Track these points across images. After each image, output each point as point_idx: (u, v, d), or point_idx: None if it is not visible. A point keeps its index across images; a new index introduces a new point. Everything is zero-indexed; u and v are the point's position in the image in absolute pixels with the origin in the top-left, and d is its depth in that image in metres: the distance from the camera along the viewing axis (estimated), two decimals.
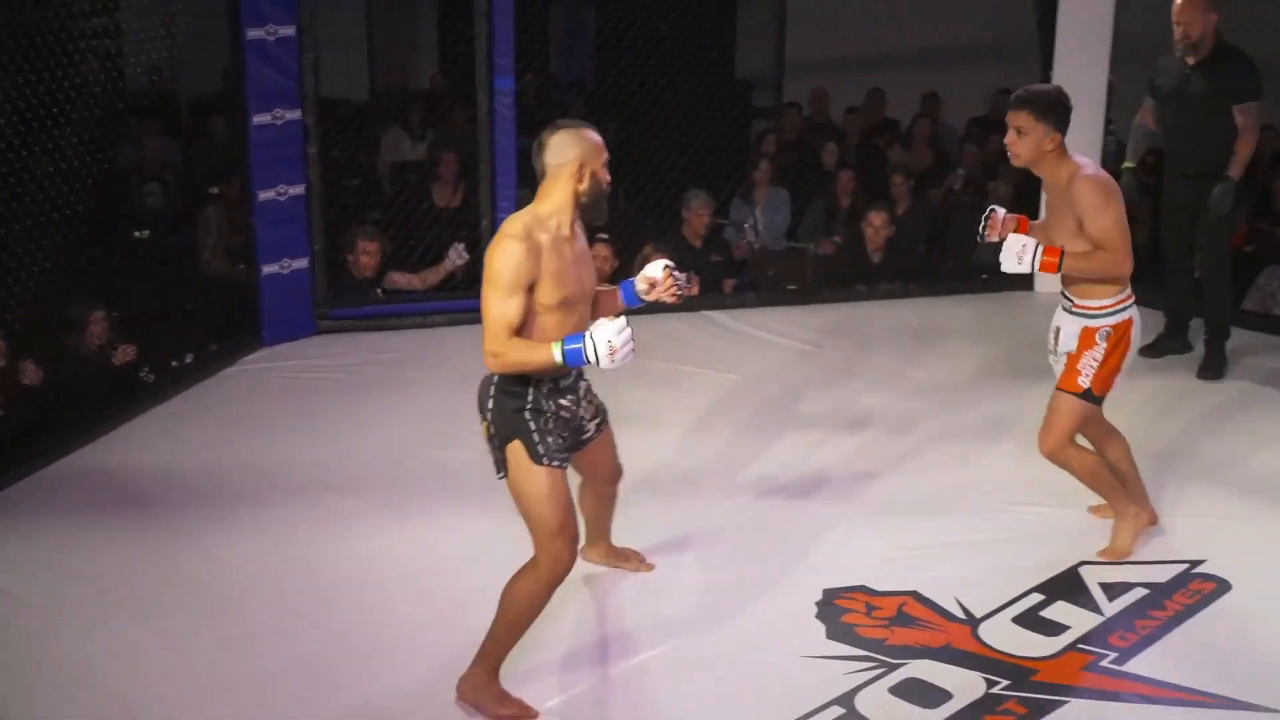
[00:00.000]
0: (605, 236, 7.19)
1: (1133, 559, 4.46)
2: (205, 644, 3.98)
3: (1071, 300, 4.37)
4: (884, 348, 6.88)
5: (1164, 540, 4.62)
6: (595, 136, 3.54)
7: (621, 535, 4.44)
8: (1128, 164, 6.32)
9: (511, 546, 4.48)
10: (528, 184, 7.18)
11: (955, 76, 9.24)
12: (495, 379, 3.55)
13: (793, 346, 6.85)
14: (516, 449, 3.56)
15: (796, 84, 10.22)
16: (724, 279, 7.62)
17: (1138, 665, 3.86)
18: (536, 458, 3.55)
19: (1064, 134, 4.18)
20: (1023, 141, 4.17)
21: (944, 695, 3.69)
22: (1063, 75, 7.31)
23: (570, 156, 3.47)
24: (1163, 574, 4.38)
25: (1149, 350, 6.38)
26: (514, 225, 3.44)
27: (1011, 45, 8.55)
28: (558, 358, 3.39)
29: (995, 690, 3.73)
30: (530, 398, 3.55)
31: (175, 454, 5.41)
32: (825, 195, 8.51)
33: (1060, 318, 4.43)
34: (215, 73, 8.28)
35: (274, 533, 4.69)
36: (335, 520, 4.78)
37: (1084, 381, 4.27)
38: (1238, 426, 5.69)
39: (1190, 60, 5.95)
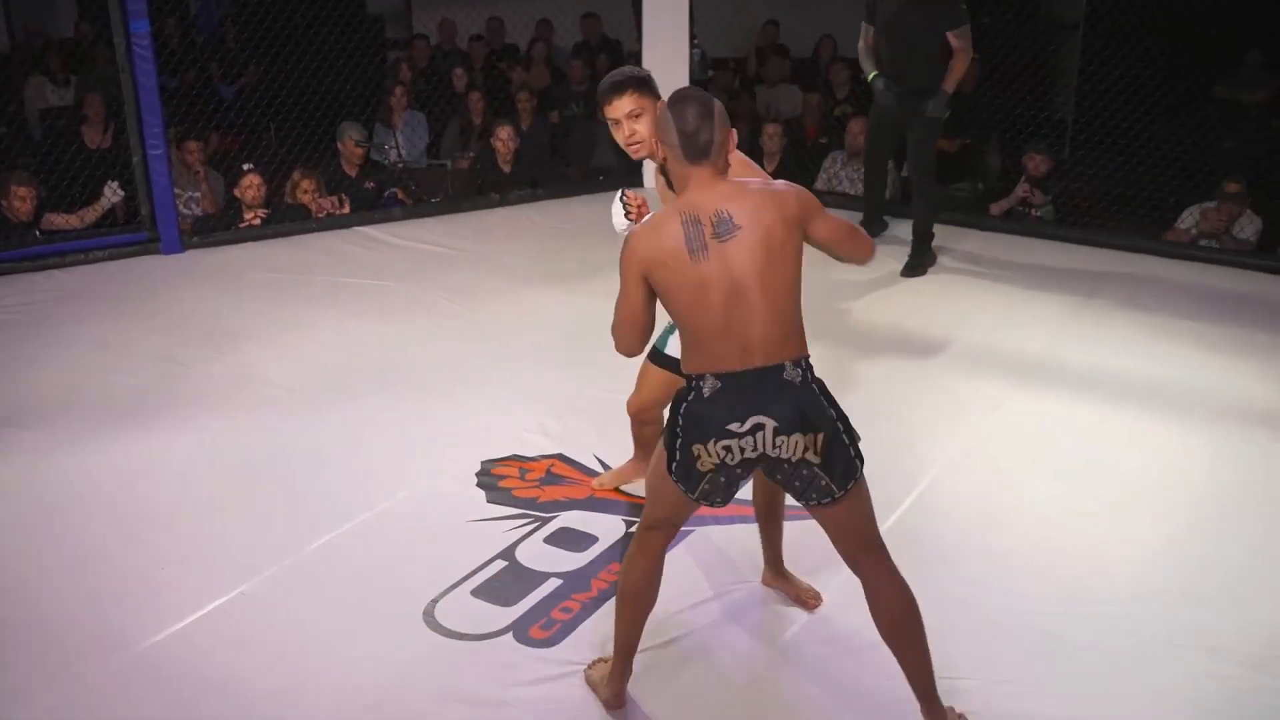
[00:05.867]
0: (251, 166, 6.90)
1: None
2: None
3: None
4: (517, 245, 6.93)
5: None
6: None
7: (292, 425, 4.31)
8: (874, 72, 6.28)
9: (189, 460, 4.34)
10: (174, 122, 6.90)
11: (557, 4, 9.28)
12: (801, 362, 2.68)
13: (438, 252, 6.79)
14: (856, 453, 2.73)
15: (424, 16, 10.01)
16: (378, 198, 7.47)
17: (747, 492, 4.05)
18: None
19: None
20: (642, 121, 3.37)
21: (591, 539, 3.80)
22: None
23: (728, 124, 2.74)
24: None
25: None
26: None
27: None
28: None
29: (633, 529, 3.84)
30: None
31: None
32: (458, 115, 8.43)
33: None
34: None
35: None
36: (19, 454, 4.40)
37: None
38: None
39: None
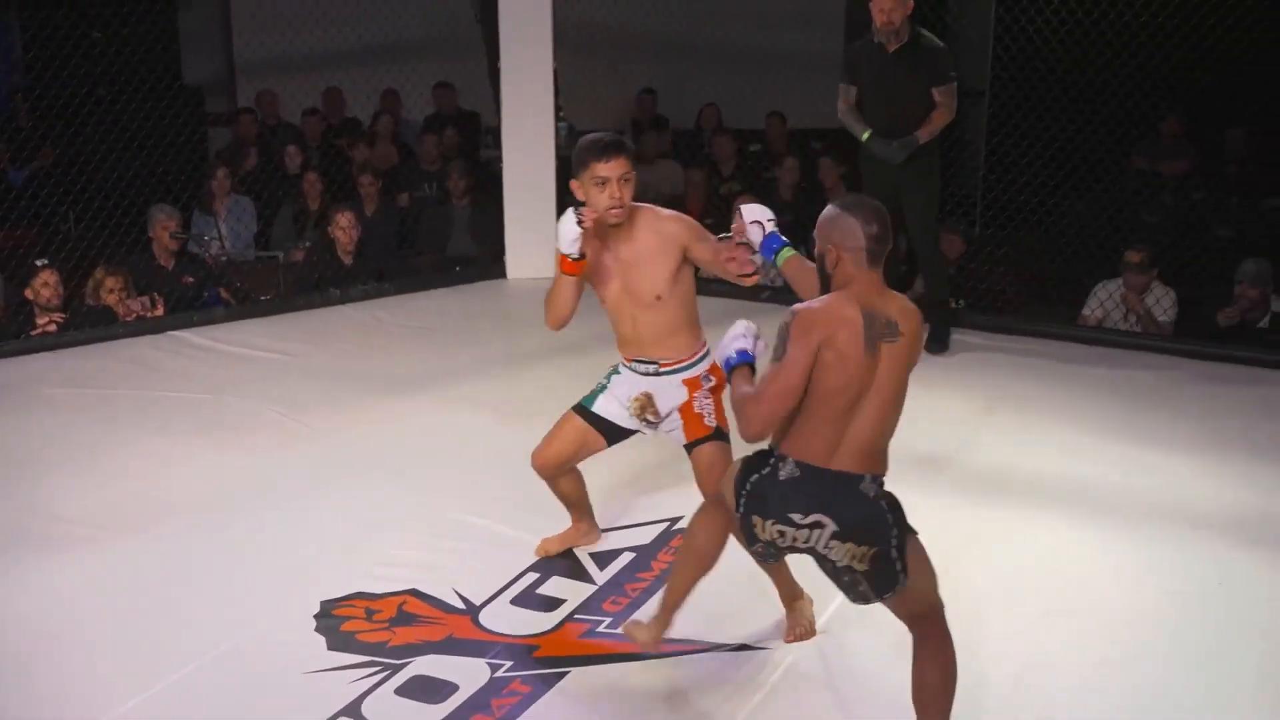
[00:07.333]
0: (45, 262, 6.80)
1: (618, 525, 4.69)
2: None
3: (655, 364, 4.02)
4: (361, 349, 6.90)
5: (646, 502, 4.88)
6: None
7: (93, 570, 4.18)
8: (868, 132, 6.27)
9: (62, 604, 4.20)
10: None
11: (404, 72, 9.38)
12: (880, 480, 3.13)
13: (269, 358, 6.72)
14: (914, 541, 3.15)
15: (249, 87, 10.04)
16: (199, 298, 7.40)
17: None
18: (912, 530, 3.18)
19: None
20: (630, 186, 3.82)
21: (451, 687, 3.73)
22: (510, 64, 7.59)
23: None
24: (646, 535, 4.63)
25: None
26: None
27: (453, 39, 8.84)
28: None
29: (499, 674, 3.81)
30: None
31: None
32: (291, 200, 8.42)
33: (641, 385, 4.06)
34: None
35: None
36: None
37: (710, 422, 4.00)
38: None
39: (890, 47, 6.14)
